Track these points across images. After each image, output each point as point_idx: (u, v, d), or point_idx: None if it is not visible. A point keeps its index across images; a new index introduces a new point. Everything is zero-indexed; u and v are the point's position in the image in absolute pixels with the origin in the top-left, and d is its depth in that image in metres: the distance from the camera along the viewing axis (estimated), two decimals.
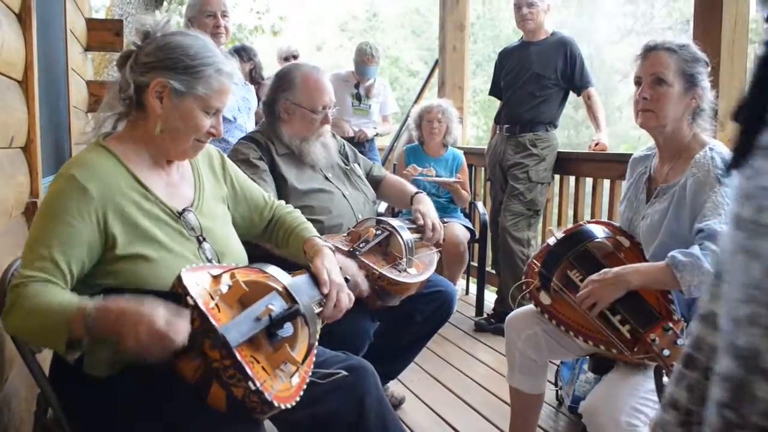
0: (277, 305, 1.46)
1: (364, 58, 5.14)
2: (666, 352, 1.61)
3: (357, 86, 5.26)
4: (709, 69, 1.96)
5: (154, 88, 1.53)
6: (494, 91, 4.25)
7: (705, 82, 1.93)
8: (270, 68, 5.19)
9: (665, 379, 1.64)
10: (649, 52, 1.96)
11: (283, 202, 2.03)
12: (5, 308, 1.40)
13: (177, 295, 1.37)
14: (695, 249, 1.73)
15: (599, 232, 2.04)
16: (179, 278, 1.38)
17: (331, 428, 1.67)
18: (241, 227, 1.86)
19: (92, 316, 1.31)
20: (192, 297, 1.35)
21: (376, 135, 5.39)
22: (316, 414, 1.62)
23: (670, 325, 1.66)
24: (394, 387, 2.95)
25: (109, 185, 1.49)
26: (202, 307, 1.34)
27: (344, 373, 1.63)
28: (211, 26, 3.29)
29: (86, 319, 1.31)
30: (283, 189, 2.36)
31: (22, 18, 2.22)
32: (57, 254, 1.41)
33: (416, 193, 2.64)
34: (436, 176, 4.02)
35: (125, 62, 1.58)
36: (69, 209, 1.44)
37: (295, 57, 5.72)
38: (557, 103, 3.90)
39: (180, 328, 1.29)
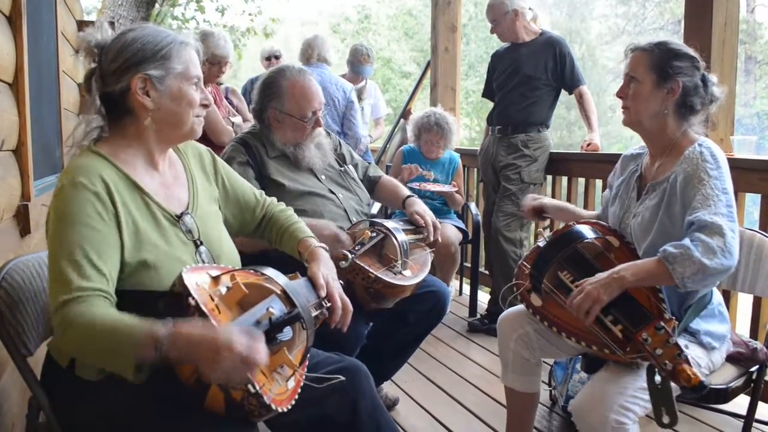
0: (277, 308, 1.46)
1: (360, 58, 5.22)
2: (658, 351, 1.61)
3: None
4: (700, 65, 1.95)
5: (137, 86, 1.52)
6: (487, 93, 4.28)
7: (686, 76, 1.93)
8: (255, 69, 5.21)
9: (657, 377, 1.64)
10: (629, 53, 2.03)
11: (275, 199, 2.02)
12: (60, 328, 1.34)
13: (178, 294, 1.37)
14: (686, 240, 1.74)
15: (589, 232, 2.04)
16: (180, 278, 1.38)
17: (325, 430, 1.67)
18: (232, 225, 1.86)
19: (165, 343, 1.27)
20: (193, 297, 1.34)
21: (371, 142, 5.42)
22: (310, 415, 1.62)
23: (662, 324, 1.66)
24: (387, 388, 2.96)
25: (112, 188, 1.48)
26: (204, 308, 1.34)
27: (341, 378, 1.62)
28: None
29: (158, 346, 1.27)
30: (275, 192, 2.35)
31: (13, 20, 2.21)
32: (96, 260, 1.38)
33: (408, 196, 2.65)
34: (434, 180, 4.04)
35: (90, 81, 1.56)
36: (89, 214, 1.42)
37: (276, 57, 5.74)
38: (548, 104, 3.92)
39: (260, 350, 1.28)
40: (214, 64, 3.78)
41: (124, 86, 1.52)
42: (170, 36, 1.58)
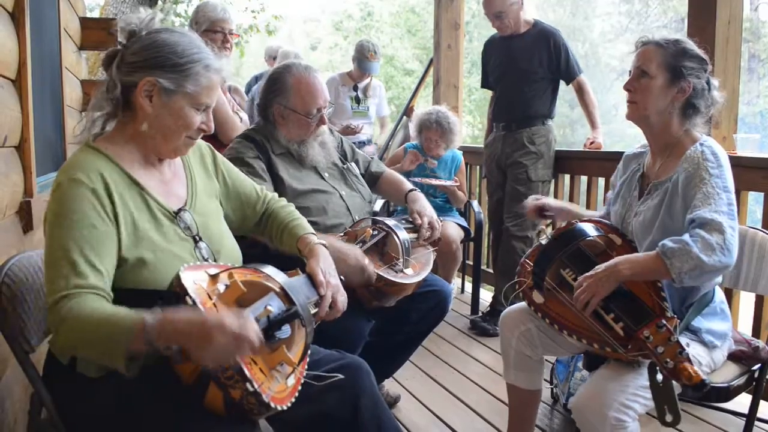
0: (275, 306, 1.46)
1: (367, 55, 5.18)
2: (660, 350, 1.61)
3: (355, 88, 5.27)
4: (708, 68, 1.95)
5: (143, 87, 1.51)
6: (485, 83, 4.22)
7: (696, 78, 1.92)
8: (258, 67, 5.19)
9: (659, 376, 1.64)
10: (640, 46, 2.00)
11: (276, 195, 2.02)
12: (54, 325, 1.34)
13: (176, 294, 1.37)
14: (685, 236, 1.74)
15: (591, 230, 2.04)
16: (178, 277, 1.38)
17: (326, 427, 1.67)
18: (233, 221, 1.85)
19: (154, 329, 1.26)
20: (191, 296, 1.34)
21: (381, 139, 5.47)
22: (312, 412, 1.62)
23: (664, 322, 1.66)
24: (389, 385, 2.96)
25: (110, 185, 1.47)
26: (201, 307, 1.34)
27: (340, 376, 1.62)
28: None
29: (146, 333, 1.26)
30: (279, 189, 2.35)
31: (16, 16, 2.22)
32: (93, 258, 1.38)
33: (411, 190, 2.64)
34: (436, 170, 4.03)
35: (111, 62, 1.55)
36: (86, 212, 1.41)
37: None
38: (549, 96, 3.88)
39: (252, 327, 1.28)
40: (216, 32, 3.37)
41: (133, 81, 1.52)
42: (200, 54, 1.56)
